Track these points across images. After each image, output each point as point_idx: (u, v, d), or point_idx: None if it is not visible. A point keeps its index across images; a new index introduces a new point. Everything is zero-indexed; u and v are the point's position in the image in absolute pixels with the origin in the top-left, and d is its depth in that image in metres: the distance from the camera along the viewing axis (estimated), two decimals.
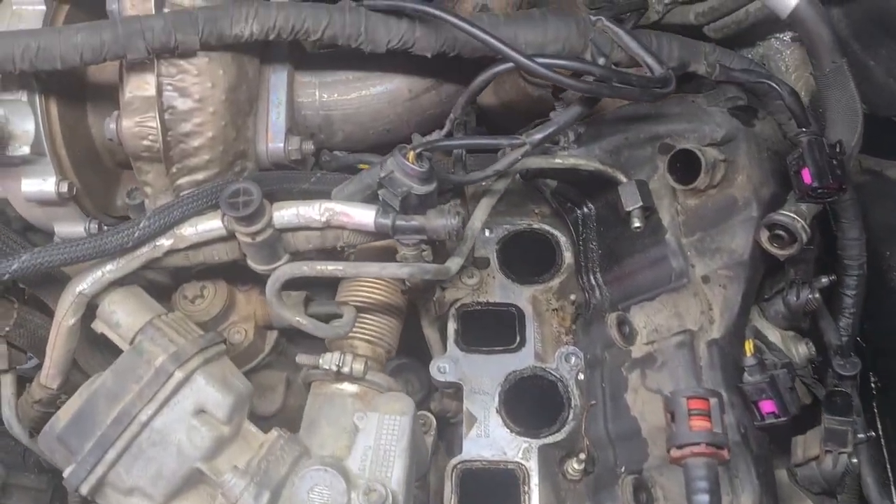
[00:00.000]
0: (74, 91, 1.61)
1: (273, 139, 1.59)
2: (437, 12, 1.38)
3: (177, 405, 1.45)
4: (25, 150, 1.49)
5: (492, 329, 1.76)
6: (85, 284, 1.46)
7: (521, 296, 1.78)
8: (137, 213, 1.70)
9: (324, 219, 1.47)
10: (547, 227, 1.87)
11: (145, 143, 1.46)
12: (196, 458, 1.45)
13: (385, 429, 1.49)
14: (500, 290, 1.79)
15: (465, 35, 1.48)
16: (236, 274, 1.72)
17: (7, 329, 1.50)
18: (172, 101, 1.46)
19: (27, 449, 1.79)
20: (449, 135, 1.50)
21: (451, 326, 1.74)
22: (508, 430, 1.62)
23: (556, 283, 1.80)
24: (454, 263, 1.53)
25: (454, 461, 1.58)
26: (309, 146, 1.61)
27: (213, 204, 1.49)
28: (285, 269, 1.47)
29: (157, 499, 1.46)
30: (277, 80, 1.60)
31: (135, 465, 1.44)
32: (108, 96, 1.65)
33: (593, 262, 1.79)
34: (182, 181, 1.53)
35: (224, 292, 1.68)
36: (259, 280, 1.76)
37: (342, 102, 1.65)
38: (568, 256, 1.83)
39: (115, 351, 1.65)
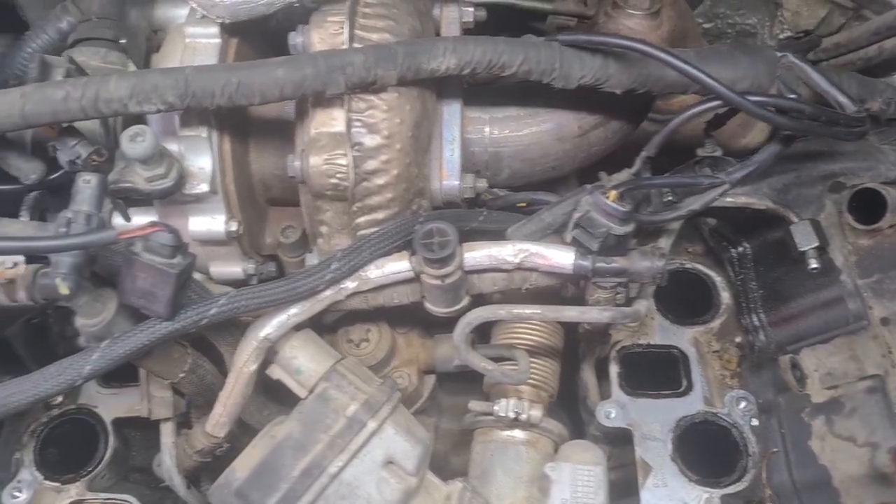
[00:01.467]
0: (241, 127, 1.55)
1: (447, 176, 1.54)
2: (649, 49, 1.34)
3: (366, 456, 1.38)
4: (204, 187, 1.43)
5: (654, 372, 1.71)
6: (269, 329, 1.39)
7: (683, 337, 1.74)
8: (292, 251, 1.64)
9: (517, 260, 1.41)
10: (700, 267, 1.82)
11: (332, 181, 1.40)
12: None
13: (580, 480, 1.43)
14: (660, 331, 1.74)
15: (658, 71, 1.44)
16: (394, 316, 1.66)
17: (182, 375, 1.43)
18: (360, 138, 1.41)
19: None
20: (637, 173, 1.45)
21: (614, 369, 1.69)
22: (686, 479, 1.56)
23: (716, 324, 1.75)
24: (642, 306, 1.47)
25: None
26: (483, 184, 1.55)
27: (397, 244, 1.43)
28: (479, 313, 1.41)
29: None
30: (451, 115, 1.55)
31: None
32: (271, 132, 1.59)
33: (755, 303, 1.74)
34: (361, 220, 1.47)
35: (389, 336, 1.61)
36: (418, 322, 1.71)
37: (512, 139, 1.60)
38: (726, 297, 1.78)
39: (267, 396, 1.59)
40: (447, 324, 1.65)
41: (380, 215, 1.47)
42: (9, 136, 1.38)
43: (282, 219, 1.69)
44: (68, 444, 1.70)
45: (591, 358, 1.70)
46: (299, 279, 1.36)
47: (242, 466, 1.41)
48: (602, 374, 1.74)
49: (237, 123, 1.52)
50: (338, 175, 1.40)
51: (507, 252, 1.41)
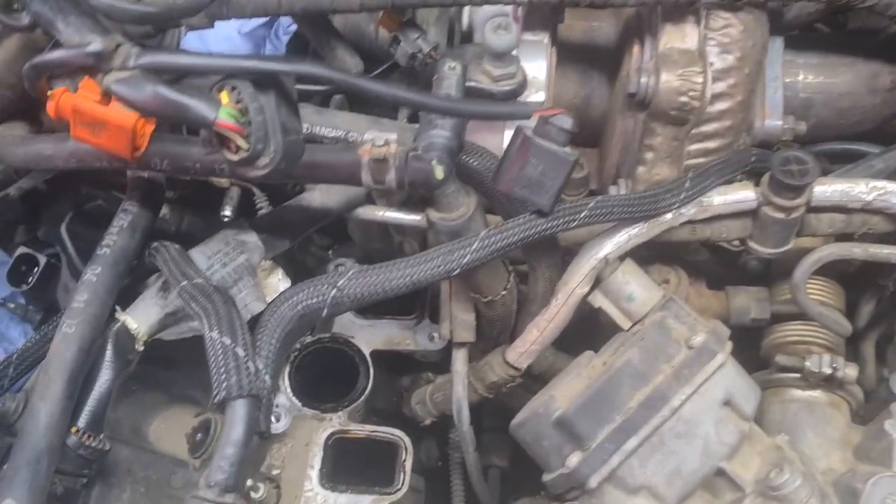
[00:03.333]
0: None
1: (769, 115, 1.46)
2: None
3: (707, 393, 1.27)
4: (541, 96, 1.35)
5: None
6: (609, 248, 1.30)
7: None
8: (573, 188, 1.55)
9: (870, 198, 1.33)
10: None
11: (683, 99, 1.32)
12: (721, 456, 1.27)
13: None
14: None
15: None
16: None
17: (503, 293, 1.33)
18: (712, 57, 1.33)
19: None
20: None
21: None
22: None
23: None
24: None
25: None
26: (802, 127, 1.48)
27: (736, 174, 1.35)
28: (831, 250, 1.32)
29: (668, 501, 1.27)
30: (775, 53, 1.47)
31: (652, 458, 1.25)
32: (575, 55, 1.52)
33: None
34: (692, 148, 1.39)
35: (686, 282, 1.52)
36: (697, 271, 1.61)
37: (826, 86, 1.53)
38: None
39: None
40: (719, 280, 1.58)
41: (712, 144, 1.39)
42: (342, 26, 1.31)
43: None
44: (322, 373, 1.58)
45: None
46: (661, 192, 1.27)
47: (563, 395, 1.31)
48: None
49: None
50: (690, 93, 1.32)
51: (859, 189, 1.33)
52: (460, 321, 1.39)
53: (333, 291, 1.08)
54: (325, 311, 1.12)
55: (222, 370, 1.06)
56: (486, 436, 1.76)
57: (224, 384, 1.05)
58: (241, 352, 1.06)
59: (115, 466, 1.31)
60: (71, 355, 1.12)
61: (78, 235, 1.45)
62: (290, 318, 1.13)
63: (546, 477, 1.33)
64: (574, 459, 1.27)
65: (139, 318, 1.26)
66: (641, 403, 1.25)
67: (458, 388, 1.42)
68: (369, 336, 1.59)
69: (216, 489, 1.01)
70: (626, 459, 1.25)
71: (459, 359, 1.42)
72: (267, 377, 1.06)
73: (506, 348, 1.39)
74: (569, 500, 1.32)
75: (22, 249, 1.55)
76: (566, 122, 1.12)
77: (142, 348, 1.27)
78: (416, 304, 1.64)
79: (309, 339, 1.59)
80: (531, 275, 1.37)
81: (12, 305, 1.66)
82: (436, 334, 1.59)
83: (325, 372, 1.59)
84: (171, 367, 1.45)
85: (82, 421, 1.19)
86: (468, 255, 1.12)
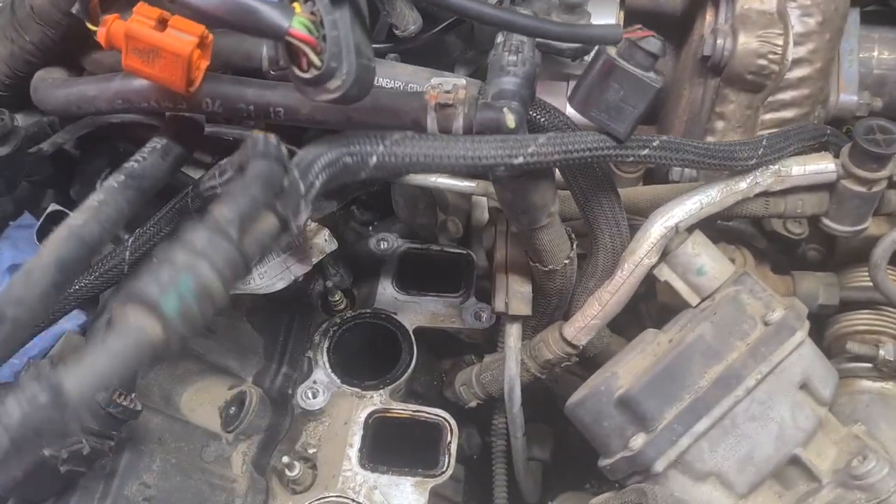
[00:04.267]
0: None
1: (845, 89, 1.39)
2: None
3: (783, 373, 1.18)
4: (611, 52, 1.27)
5: None
6: (681, 216, 1.22)
7: None
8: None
9: None
10: None
11: (761, 62, 1.24)
12: (796, 443, 1.18)
13: None
14: None
15: None
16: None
17: (565, 262, 1.25)
18: (793, 20, 1.26)
19: None
20: None
21: None
22: None
23: None
24: None
25: None
26: (878, 103, 1.40)
27: (813, 144, 1.27)
28: None
29: (738, 489, 1.18)
30: (851, 25, 1.40)
31: (722, 442, 1.17)
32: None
33: None
34: (766, 117, 1.31)
35: (752, 261, 1.44)
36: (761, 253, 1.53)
37: None
38: None
39: None
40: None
41: (788, 114, 1.31)
42: None
43: None
44: (361, 351, 1.50)
45: None
46: (736, 145, 1.18)
47: (626, 373, 1.23)
48: None
49: None
50: (769, 56, 1.25)
51: None
52: (516, 293, 1.30)
53: (381, 148, 0.94)
54: (372, 162, 0.94)
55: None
56: (527, 426, 1.66)
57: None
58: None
59: (146, 434, 1.23)
60: (70, 246, 0.90)
61: None
62: (334, 161, 0.93)
63: (604, 461, 1.25)
64: (638, 441, 1.18)
65: None
66: (714, 382, 1.16)
67: (511, 364, 1.33)
68: (413, 312, 1.51)
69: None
70: (696, 442, 1.16)
71: (513, 334, 1.33)
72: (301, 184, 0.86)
73: (562, 324, 1.30)
74: (629, 486, 1.23)
75: (53, 206, 1.47)
76: (654, 45, 1.03)
77: None
78: (462, 280, 1.56)
79: (349, 314, 1.52)
80: (592, 246, 1.29)
81: None
82: (483, 312, 1.51)
83: (364, 350, 1.51)
84: (207, 335, 1.37)
85: None
86: (532, 147, 1.00)
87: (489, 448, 1.54)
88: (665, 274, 1.27)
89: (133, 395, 1.14)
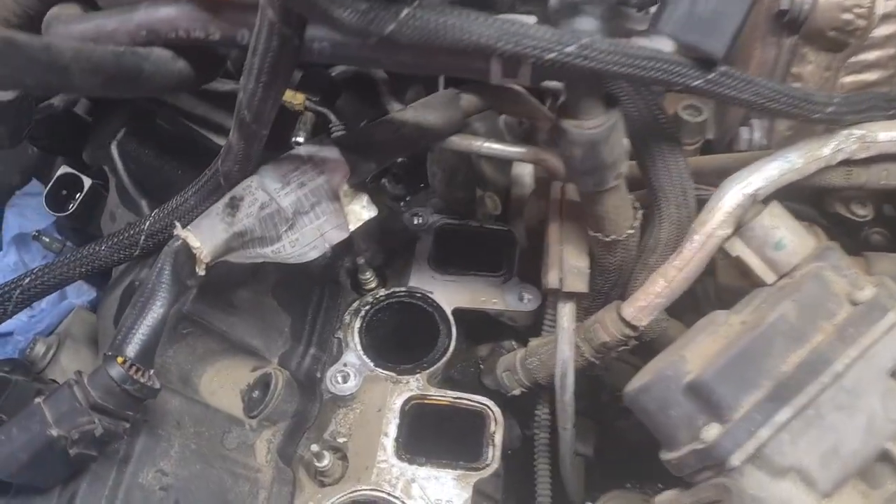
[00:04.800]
0: None
1: None
2: None
3: (874, 359, 1.06)
4: None
5: None
6: (759, 183, 1.10)
7: None
8: (690, 135, 1.37)
9: None
10: None
11: (846, 16, 1.13)
12: (887, 436, 1.06)
13: None
14: None
15: None
16: None
17: (629, 232, 1.13)
18: None
19: None
20: None
21: None
22: None
23: None
24: None
25: None
26: None
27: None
28: None
29: (821, 486, 1.05)
30: None
31: (806, 434, 1.04)
32: None
33: None
34: (847, 80, 1.20)
35: (825, 239, 1.31)
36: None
37: None
38: None
39: None
40: None
41: (871, 76, 1.20)
42: None
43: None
44: (395, 331, 1.39)
45: None
46: (812, 93, 1.06)
47: (696, 356, 1.10)
48: None
49: None
50: (855, 10, 1.13)
51: None
52: (572, 268, 1.18)
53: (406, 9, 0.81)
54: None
55: None
56: None
57: None
58: None
59: (164, 416, 1.11)
60: None
61: (130, 155, 1.25)
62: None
63: (669, 454, 1.12)
64: (712, 433, 1.06)
65: (202, 236, 1.06)
66: (797, 367, 1.04)
67: (564, 347, 1.21)
68: (451, 293, 1.39)
69: None
70: (776, 434, 1.04)
71: (567, 314, 1.21)
72: None
73: (620, 304, 1.18)
74: (697, 482, 1.11)
75: (64, 169, 1.35)
76: None
77: (203, 273, 1.07)
78: (504, 260, 1.44)
79: (382, 293, 1.40)
80: (656, 217, 1.17)
81: (47, 240, 1.46)
82: (527, 293, 1.39)
83: (398, 332, 1.40)
84: (230, 311, 1.25)
85: (131, 351, 0.99)
86: (573, 47, 0.85)
87: (530, 442, 1.43)
88: (738, 248, 1.15)
89: (151, 371, 1.02)
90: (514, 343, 1.45)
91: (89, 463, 1.01)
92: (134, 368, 0.99)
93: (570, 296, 1.22)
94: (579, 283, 1.19)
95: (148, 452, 1.07)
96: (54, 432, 0.94)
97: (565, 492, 1.43)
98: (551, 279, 1.20)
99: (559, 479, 1.41)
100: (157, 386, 1.02)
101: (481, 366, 1.46)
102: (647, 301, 1.16)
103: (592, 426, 1.56)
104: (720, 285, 1.35)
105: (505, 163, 1.55)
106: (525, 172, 1.54)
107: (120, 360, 0.98)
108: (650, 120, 1.11)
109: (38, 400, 0.97)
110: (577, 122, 0.99)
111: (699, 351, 1.10)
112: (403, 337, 1.38)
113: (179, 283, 1.04)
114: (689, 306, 1.36)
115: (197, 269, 1.06)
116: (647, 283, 1.16)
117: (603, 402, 1.57)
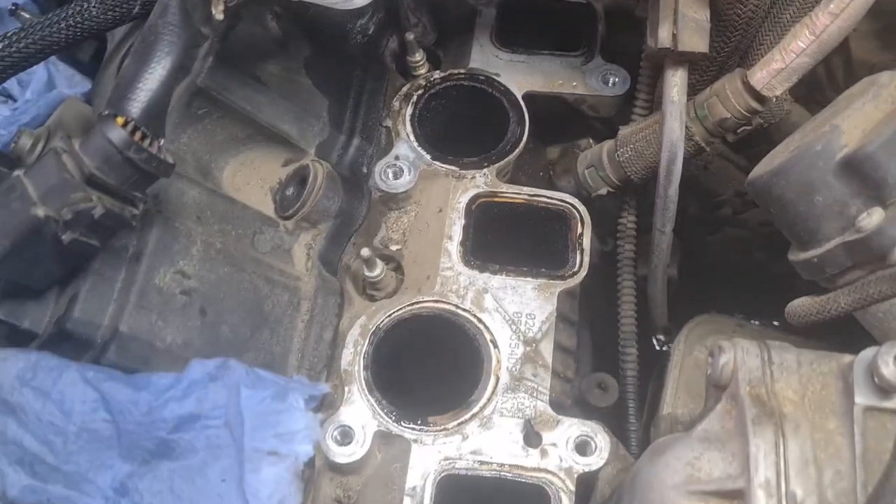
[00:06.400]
0: None
1: None
2: None
3: None
4: None
5: None
6: None
7: None
8: None
9: None
10: None
11: None
12: None
13: None
14: None
15: None
16: None
17: None
18: None
19: None
20: None
21: None
22: None
23: None
24: None
25: None
26: None
27: None
28: None
29: None
30: None
31: None
32: None
33: None
34: None
35: None
36: None
37: None
38: None
39: None
40: None
41: None
42: None
43: None
44: (452, 121, 1.15)
45: None
46: None
47: (851, 127, 0.87)
48: None
49: None
50: None
51: None
52: (690, 21, 0.93)
53: None
54: None
55: None
56: (647, 237, 1.33)
57: None
58: None
59: (180, 208, 0.89)
60: None
61: None
62: None
63: (805, 253, 0.90)
64: (873, 219, 0.84)
65: None
66: None
67: (674, 125, 0.96)
68: (520, 74, 1.15)
69: None
70: None
71: (678, 83, 0.96)
72: None
73: (745, 71, 0.94)
74: (839, 286, 0.89)
75: None
76: None
77: (221, 18, 0.83)
78: (584, 36, 1.18)
79: (437, 74, 1.15)
80: None
81: (27, 16, 1.22)
82: (613, 76, 1.14)
83: (456, 122, 1.16)
84: (255, 88, 1.01)
85: (134, 109, 0.76)
86: None
87: (606, 257, 1.22)
88: None
89: (161, 141, 0.79)
90: (591, 141, 1.21)
91: (91, 257, 0.80)
92: (139, 133, 0.76)
93: (682, 60, 0.96)
94: (697, 41, 0.94)
95: (164, 249, 0.86)
96: (40, 212, 0.73)
97: (648, 316, 1.23)
98: (662, 36, 0.94)
99: (642, 300, 1.21)
100: (171, 161, 0.80)
101: (552, 171, 1.24)
102: (784, 62, 0.91)
103: (677, 243, 1.35)
104: (856, 61, 1.10)
105: None
106: None
107: (120, 119, 0.75)
108: None
109: (17, 172, 0.75)
110: None
111: (857, 120, 0.87)
112: (463, 128, 1.14)
113: (191, 29, 0.80)
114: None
115: (213, 12, 0.81)
116: (787, 39, 0.91)
117: (689, 215, 1.35)
